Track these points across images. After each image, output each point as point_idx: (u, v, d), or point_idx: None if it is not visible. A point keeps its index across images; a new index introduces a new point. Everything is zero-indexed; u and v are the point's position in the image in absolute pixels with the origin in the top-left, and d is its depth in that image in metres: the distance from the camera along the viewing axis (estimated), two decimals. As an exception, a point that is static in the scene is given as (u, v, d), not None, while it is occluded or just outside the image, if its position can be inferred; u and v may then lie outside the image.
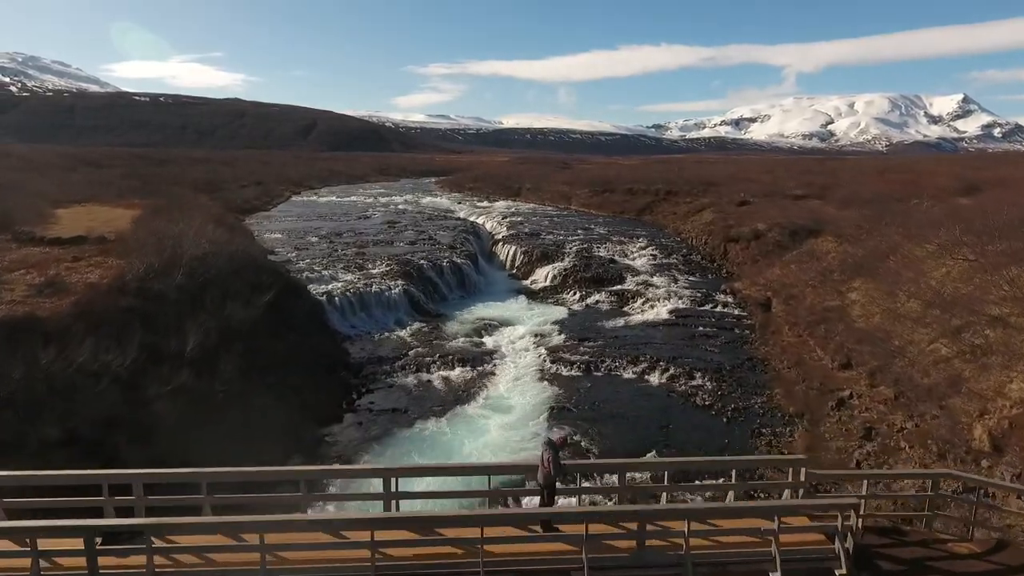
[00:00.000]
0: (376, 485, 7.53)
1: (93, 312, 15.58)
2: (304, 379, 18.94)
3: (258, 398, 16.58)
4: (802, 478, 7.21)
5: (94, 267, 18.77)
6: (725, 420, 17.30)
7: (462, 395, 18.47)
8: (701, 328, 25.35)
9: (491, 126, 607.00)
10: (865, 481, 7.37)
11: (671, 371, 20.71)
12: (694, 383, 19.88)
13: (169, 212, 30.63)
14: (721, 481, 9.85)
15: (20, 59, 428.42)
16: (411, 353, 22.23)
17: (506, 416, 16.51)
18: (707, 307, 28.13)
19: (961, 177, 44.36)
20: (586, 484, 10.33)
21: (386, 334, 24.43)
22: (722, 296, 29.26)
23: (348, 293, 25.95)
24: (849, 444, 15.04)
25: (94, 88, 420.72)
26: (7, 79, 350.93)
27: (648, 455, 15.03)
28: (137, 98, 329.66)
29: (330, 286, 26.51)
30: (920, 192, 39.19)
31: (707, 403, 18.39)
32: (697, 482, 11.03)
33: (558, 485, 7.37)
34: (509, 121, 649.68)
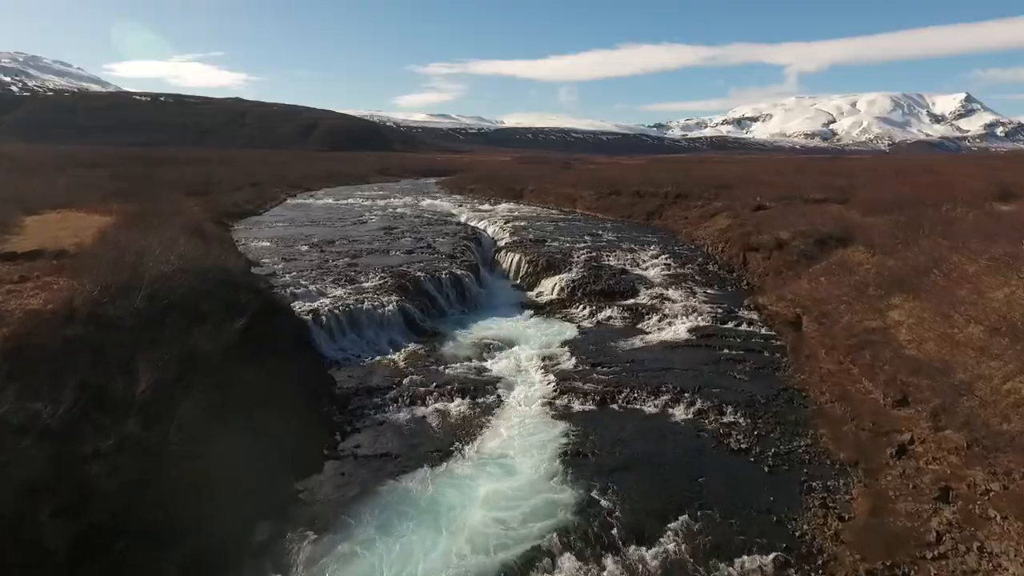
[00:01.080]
0: None
1: (28, 347, 13.22)
2: (282, 417, 16.57)
3: (224, 445, 14.20)
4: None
5: (41, 289, 16.40)
6: (766, 469, 14.90)
7: (458, 437, 16.05)
8: (726, 350, 22.94)
9: (492, 125, 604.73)
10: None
11: (698, 404, 18.33)
12: (725, 420, 17.48)
13: (145, 220, 28.38)
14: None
15: (21, 59, 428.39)
16: (405, 382, 19.87)
17: (504, 481, 13.67)
18: (730, 325, 25.71)
19: (992, 180, 41.89)
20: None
21: (378, 358, 22.08)
22: (745, 312, 26.85)
23: (337, 311, 23.59)
24: (921, 508, 12.63)
25: (95, 88, 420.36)
26: (8, 79, 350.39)
27: (680, 519, 12.67)
28: (138, 98, 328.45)
29: (317, 303, 24.16)
30: (950, 196, 36.78)
31: (743, 446, 15.99)
32: None
33: None
34: (510, 120, 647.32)
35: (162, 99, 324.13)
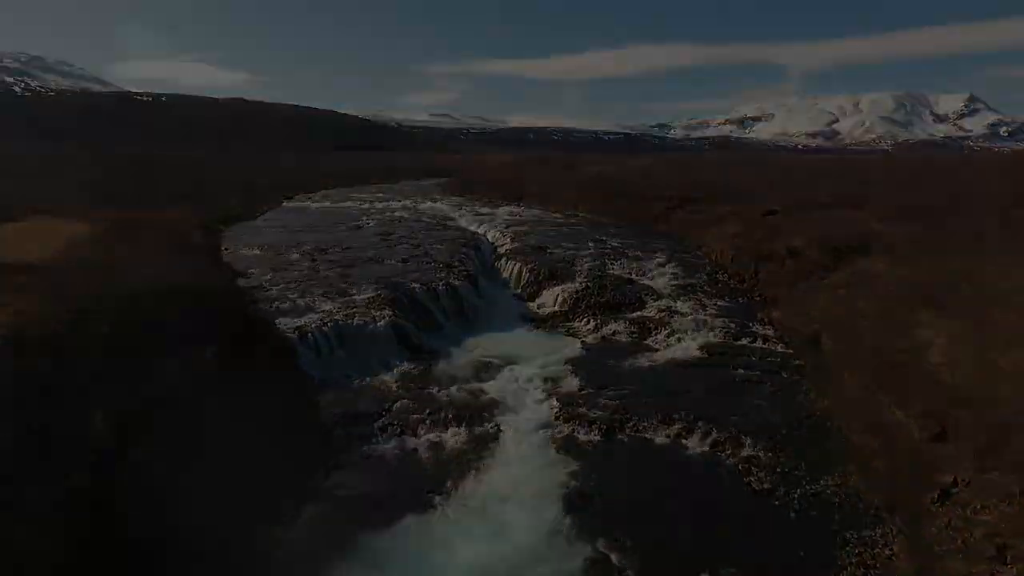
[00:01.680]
0: None
1: (-33, 383, 11.85)
2: (260, 453, 15.04)
3: (192, 492, 12.75)
4: None
5: (-6, 312, 15.01)
6: (793, 515, 13.43)
7: (450, 478, 14.56)
8: (740, 371, 21.45)
9: (494, 125, 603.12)
10: None
11: (713, 435, 16.83)
12: (744, 453, 15.99)
13: (128, 228, 27.05)
14: None
15: (24, 59, 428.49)
16: (395, 407, 18.42)
17: (498, 542, 12.02)
18: (744, 341, 24.19)
19: (1010, 183, 40.29)
20: None
21: (368, 379, 20.61)
22: (759, 328, 25.32)
23: (326, 327, 22.12)
24: (975, 570, 11.11)
25: (97, 88, 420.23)
26: (11, 79, 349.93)
27: (701, 579, 11.20)
28: (139, 97, 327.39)
29: (304, 318, 22.69)
30: (969, 200, 35.26)
31: (766, 486, 14.50)
32: None
33: None
34: (513, 120, 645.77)
35: (163, 99, 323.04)
